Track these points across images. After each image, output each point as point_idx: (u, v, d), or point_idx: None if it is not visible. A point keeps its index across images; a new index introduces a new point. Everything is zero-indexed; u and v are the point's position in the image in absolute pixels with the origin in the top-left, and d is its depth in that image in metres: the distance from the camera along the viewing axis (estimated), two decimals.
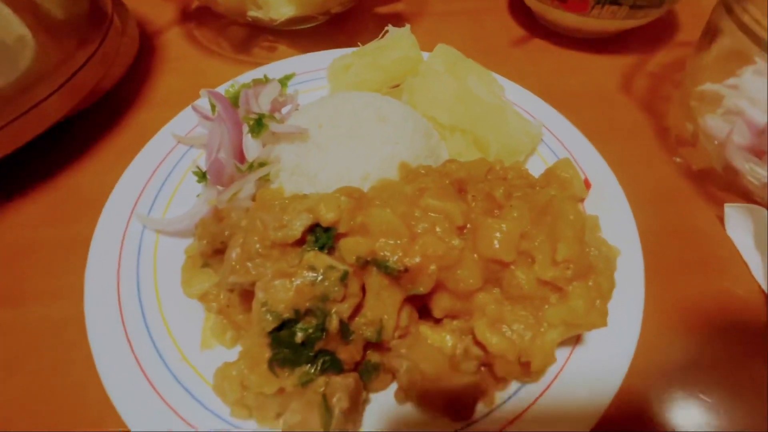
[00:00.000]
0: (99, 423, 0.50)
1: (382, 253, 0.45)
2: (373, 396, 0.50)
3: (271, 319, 0.42)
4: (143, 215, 0.63)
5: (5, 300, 0.60)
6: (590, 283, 0.45)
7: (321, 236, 0.48)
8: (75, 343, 0.54)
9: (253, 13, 0.89)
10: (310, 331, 0.42)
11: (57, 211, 0.70)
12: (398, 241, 0.45)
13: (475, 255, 0.47)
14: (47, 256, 0.64)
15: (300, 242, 0.48)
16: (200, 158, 0.70)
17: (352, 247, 0.45)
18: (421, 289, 0.45)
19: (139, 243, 0.61)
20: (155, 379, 0.49)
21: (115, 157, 0.77)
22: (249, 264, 0.46)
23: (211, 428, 0.46)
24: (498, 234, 0.46)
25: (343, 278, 0.44)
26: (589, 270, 0.45)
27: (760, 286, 0.62)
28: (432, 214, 0.48)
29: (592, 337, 0.52)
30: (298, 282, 0.43)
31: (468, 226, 0.49)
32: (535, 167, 0.68)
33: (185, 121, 0.74)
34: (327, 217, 0.46)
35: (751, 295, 0.62)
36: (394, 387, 0.50)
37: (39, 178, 0.73)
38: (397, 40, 0.78)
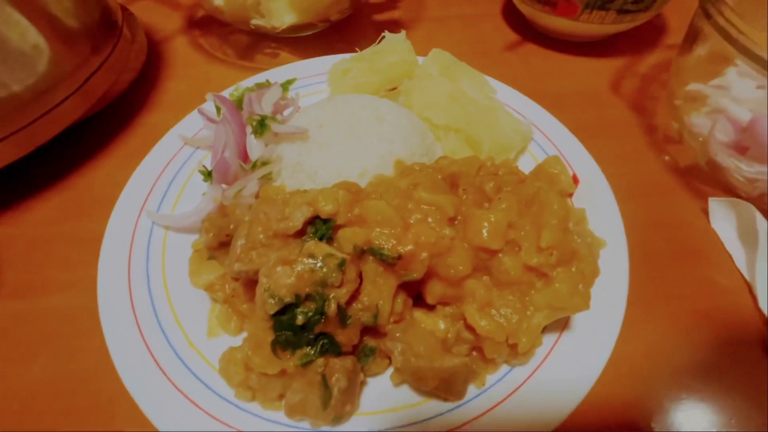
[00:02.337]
0: (111, 406, 0.53)
1: (377, 242, 0.48)
2: (370, 380, 0.53)
3: (273, 302, 0.45)
4: (152, 212, 0.66)
5: (23, 291, 0.63)
6: (573, 269, 0.48)
7: (320, 227, 0.51)
8: (89, 331, 0.57)
9: (255, 21, 0.93)
10: (310, 314, 0.45)
11: (71, 209, 0.73)
12: (392, 231, 0.48)
13: (465, 244, 0.50)
14: (62, 251, 0.67)
15: (301, 233, 0.51)
16: (206, 159, 0.74)
17: (349, 236, 0.48)
18: (414, 275, 0.48)
19: (149, 238, 0.64)
20: (164, 363, 0.52)
21: (125, 158, 0.80)
22: (253, 253, 0.49)
23: (218, 410, 0.49)
24: (486, 224, 0.49)
25: (341, 265, 0.47)
26: (573, 256, 0.48)
27: (742, 276, 0.65)
28: (424, 207, 0.51)
29: (578, 323, 0.54)
30: (299, 268, 0.46)
31: (459, 217, 0.52)
32: (527, 165, 0.72)
33: (191, 124, 0.78)
34: (326, 209, 0.50)
35: (733, 284, 0.64)
36: (390, 372, 0.53)
37: (54, 178, 0.77)
38: (394, 45, 0.82)
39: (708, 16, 0.68)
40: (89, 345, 0.57)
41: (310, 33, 1.03)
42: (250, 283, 0.53)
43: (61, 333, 0.59)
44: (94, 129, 0.84)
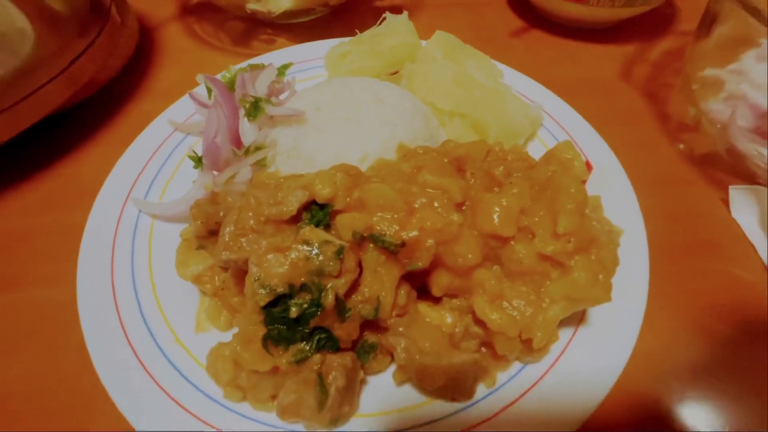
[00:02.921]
0: (91, 406, 0.49)
1: (378, 228, 0.44)
2: (371, 378, 0.49)
3: (264, 293, 0.41)
4: (139, 199, 0.62)
5: (4, 284, 0.60)
6: (593, 257, 0.44)
7: (317, 213, 0.47)
8: (71, 326, 0.53)
9: (252, 6, 0.89)
10: (305, 306, 0.41)
11: (56, 199, 0.69)
12: (395, 216, 0.44)
13: (475, 231, 0.46)
14: (45, 242, 0.64)
15: (295, 219, 0.47)
16: (197, 145, 0.70)
17: (348, 222, 0.44)
18: (419, 264, 0.44)
19: (134, 228, 0.60)
20: (147, 360, 0.48)
21: (114, 146, 0.76)
22: (242, 240, 0.45)
23: (204, 411, 0.45)
24: (497, 209, 0.45)
25: (339, 253, 0.43)
26: (592, 243, 0.44)
27: (766, 268, 0.61)
28: (430, 190, 0.47)
29: (596, 317, 0.50)
30: (293, 256, 0.42)
31: (467, 203, 0.48)
32: (536, 152, 0.68)
33: (183, 109, 0.74)
34: (323, 193, 0.46)
35: (756, 277, 0.60)
36: (392, 370, 0.49)
37: (39, 167, 0.73)
38: (395, 27, 0.78)
39: None
40: (70, 342, 0.53)
41: (307, 19, 0.99)
42: (241, 274, 0.48)
43: (41, 329, 0.56)
44: (83, 116, 0.80)
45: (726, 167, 0.72)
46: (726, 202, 0.68)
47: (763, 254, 0.62)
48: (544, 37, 1.00)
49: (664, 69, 0.92)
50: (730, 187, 0.67)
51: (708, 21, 0.72)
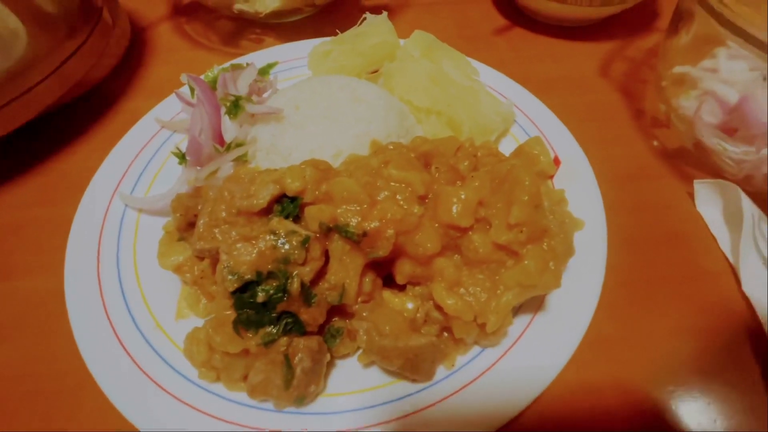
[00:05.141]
0: (78, 390, 0.52)
1: (342, 219, 0.46)
2: (340, 362, 0.52)
3: (233, 279, 0.44)
4: (125, 194, 0.65)
5: None
6: (544, 246, 0.46)
7: (287, 206, 0.50)
8: (58, 314, 0.56)
9: (239, 6, 0.91)
10: (272, 292, 0.44)
11: (45, 194, 0.72)
12: (359, 208, 0.47)
13: (435, 223, 0.48)
14: (34, 235, 0.67)
15: (267, 212, 0.50)
16: (183, 142, 0.73)
17: (315, 213, 0.47)
18: (380, 253, 0.46)
19: (121, 221, 0.63)
20: (129, 344, 0.52)
21: (103, 144, 0.79)
22: (215, 230, 0.48)
23: (182, 391, 0.48)
24: (456, 201, 0.47)
25: (305, 242, 0.45)
26: (544, 233, 0.46)
27: (726, 259, 0.63)
28: (394, 184, 0.49)
29: (553, 304, 0.53)
30: (261, 245, 0.45)
31: (430, 195, 0.51)
32: (509, 148, 0.70)
33: (170, 108, 0.77)
34: (292, 186, 0.48)
35: (717, 267, 0.63)
36: (360, 353, 0.51)
37: (29, 163, 0.76)
38: (375, 27, 0.80)
39: None
40: (58, 328, 0.56)
41: (295, 18, 1.01)
42: (218, 263, 0.51)
43: (30, 317, 0.59)
44: (74, 115, 0.83)
45: (694, 162, 0.74)
46: (692, 195, 0.70)
47: (723, 246, 0.64)
48: (527, 35, 1.02)
49: (642, 66, 0.94)
50: (695, 181, 0.69)
51: (678, 19, 0.74)
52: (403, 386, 0.48)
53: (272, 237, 0.45)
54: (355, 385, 0.49)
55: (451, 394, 0.46)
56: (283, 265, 0.45)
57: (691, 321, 0.58)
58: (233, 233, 0.46)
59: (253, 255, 0.44)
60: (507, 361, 0.49)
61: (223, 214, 0.48)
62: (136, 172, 0.69)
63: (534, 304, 0.52)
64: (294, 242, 0.45)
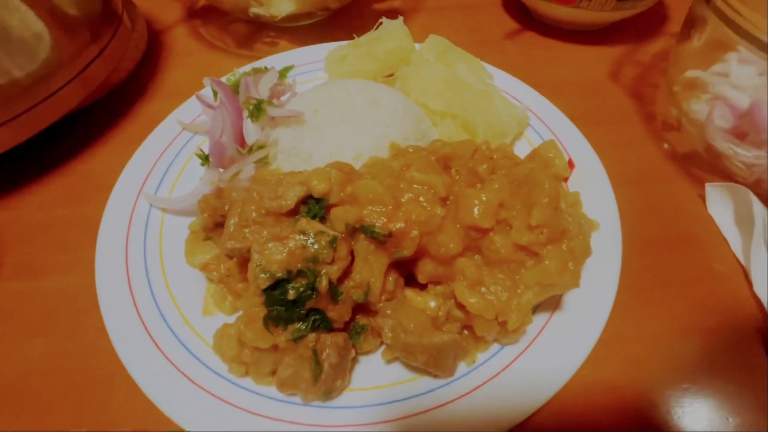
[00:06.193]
0: (109, 382, 0.54)
1: (368, 220, 0.48)
2: (363, 358, 0.53)
3: (265, 277, 0.45)
4: (150, 194, 0.67)
5: (24, 272, 0.64)
6: (564, 247, 0.48)
7: (313, 207, 0.51)
8: (87, 311, 0.58)
9: (255, 10, 0.93)
10: (301, 289, 0.46)
11: (71, 194, 0.74)
12: (384, 209, 0.48)
13: (457, 224, 0.50)
14: (62, 234, 0.69)
15: (294, 212, 0.51)
16: (203, 144, 0.75)
17: (341, 215, 0.49)
18: (405, 253, 0.48)
19: (146, 220, 0.65)
20: (160, 340, 0.53)
21: (125, 145, 0.81)
22: (246, 230, 0.49)
23: (212, 385, 0.50)
24: (477, 203, 0.49)
25: (333, 242, 0.47)
26: (563, 235, 0.48)
27: (738, 262, 0.64)
28: (416, 186, 0.51)
29: (570, 303, 0.54)
30: (291, 245, 0.46)
31: (451, 197, 0.52)
32: (523, 151, 0.72)
33: (190, 110, 0.79)
34: (318, 188, 0.50)
35: (729, 269, 0.64)
36: (383, 350, 0.53)
37: (55, 164, 0.78)
38: (391, 31, 0.82)
39: (708, 1, 0.67)
40: (88, 324, 0.58)
41: (309, 22, 1.03)
42: (244, 262, 0.53)
43: (61, 313, 0.60)
44: (95, 117, 0.85)
45: (705, 165, 0.76)
46: (704, 198, 0.71)
47: (735, 248, 0.65)
48: (537, 38, 1.04)
49: (652, 70, 0.95)
50: (707, 184, 0.70)
51: (690, 25, 0.76)
52: (427, 382, 0.50)
53: (302, 237, 0.47)
54: (378, 380, 0.50)
55: (473, 390, 0.48)
56: (312, 264, 0.46)
57: (704, 321, 0.59)
58: (264, 233, 0.48)
59: (284, 254, 0.46)
60: (526, 359, 0.50)
61: (254, 214, 0.49)
62: (159, 173, 0.70)
63: (551, 304, 0.54)
64: (323, 242, 0.46)
